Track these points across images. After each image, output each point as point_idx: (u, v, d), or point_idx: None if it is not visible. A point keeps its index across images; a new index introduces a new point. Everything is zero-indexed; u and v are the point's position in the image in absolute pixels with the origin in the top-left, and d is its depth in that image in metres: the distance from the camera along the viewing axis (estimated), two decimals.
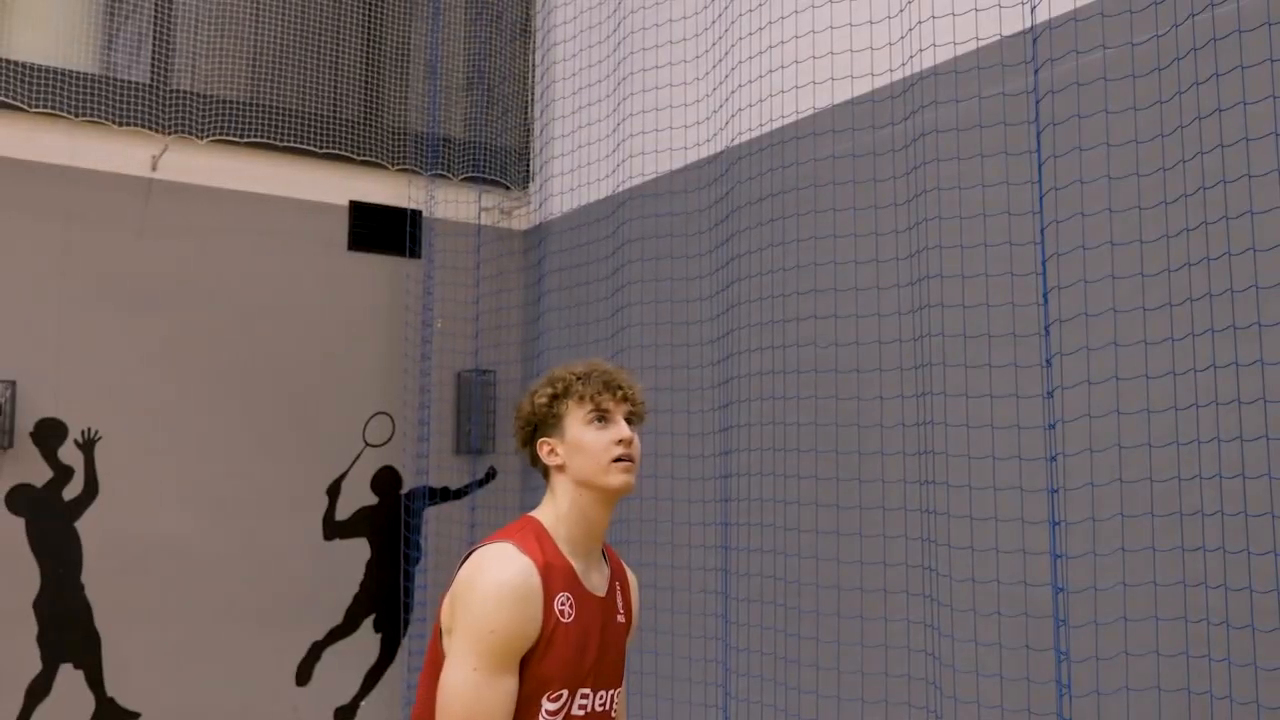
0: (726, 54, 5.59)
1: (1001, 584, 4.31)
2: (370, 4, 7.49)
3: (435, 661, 2.50)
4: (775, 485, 5.24)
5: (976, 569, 4.38)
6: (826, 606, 4.97)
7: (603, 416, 2.57)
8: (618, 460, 2.53)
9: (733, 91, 5.54)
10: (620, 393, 2.59)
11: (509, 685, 2.38)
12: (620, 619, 2.66)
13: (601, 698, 2.55)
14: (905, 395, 4.77)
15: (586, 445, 2.54)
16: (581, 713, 2.51)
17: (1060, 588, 3.89)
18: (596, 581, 2.59)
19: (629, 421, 2.59)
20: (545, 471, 2.62)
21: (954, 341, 4.54)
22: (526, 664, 2.42)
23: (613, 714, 2.61)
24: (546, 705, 2.45)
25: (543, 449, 2.60)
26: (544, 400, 2.61)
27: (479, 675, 2.35)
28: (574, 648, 2.47)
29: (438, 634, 2.51)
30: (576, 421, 2.57)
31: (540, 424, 2.62)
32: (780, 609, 5.18)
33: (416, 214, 7.41)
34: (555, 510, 2.56)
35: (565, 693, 2.48)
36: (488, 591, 2.39)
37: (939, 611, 4.51)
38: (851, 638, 4.86)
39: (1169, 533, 3.85)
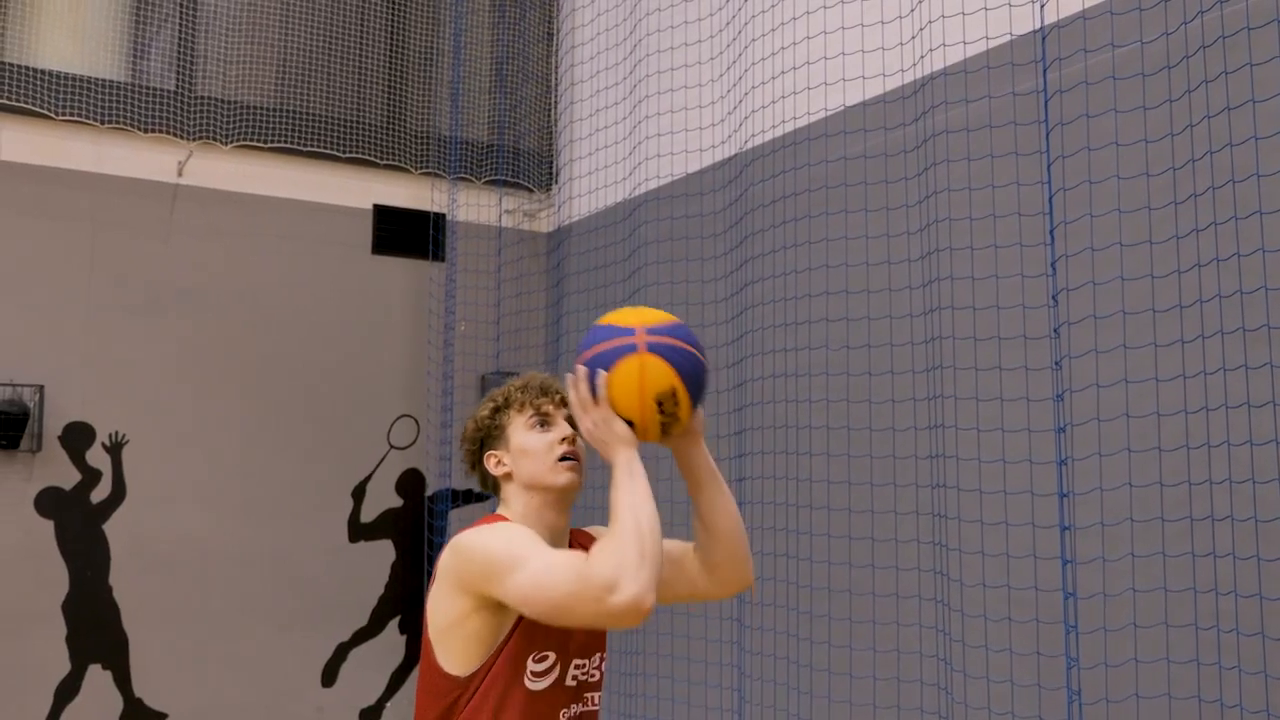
0: (740, 56, 5.57)
1: (1012, 589, 4.27)
2: (393, 9, 7.53)
3: (429, 674, 2.50)
4: (789, 489, 5.21)
5: (987, 574, 4.34)
6: (839, 611, 4.94)
7: (544, 421, 2.60)
8: (563, 459, 2.56)
9: (746, 93, 5.52)
10: (559, 397, 2.63)
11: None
12: None
13: (586, 667, 2.57)
14: (917, 398, 4.73)
15: (530, 448, 2.57)
16: (574, 683, 2.53)
17: (1070, 593, 3.84)
18: None
19: (571, 425, 2.61)
20: (496, 487, 2.65)
21: (964, 344, 4.50)
22: (515, 625, 2.44)
23: (600, 680, 2.62)
24: (531, 666, 2.46)
25: (489, 461, 2.63)
26: (486, 414, 2.66)
27: (544, 555, 2.33)
28: None
29: (428, 646, 2.51)
30: (519, 429, 2.61)
31: (486, 438, 2.65)
32: (794, 613, 5.15)
33: (440, 217, 7.44)
34: (512, 517, 2.57)
35: (553, 656, 2.48)
36: (483, 534, 2.42)
37: (950, 616, 4.47)
38: (864, 643, 4.83)
39: (1179, 538, 3.79)
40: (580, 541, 2.72)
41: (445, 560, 2.47)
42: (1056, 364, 3.98)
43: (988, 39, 4.48)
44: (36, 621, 6.28)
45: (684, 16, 6.03)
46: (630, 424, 2.40)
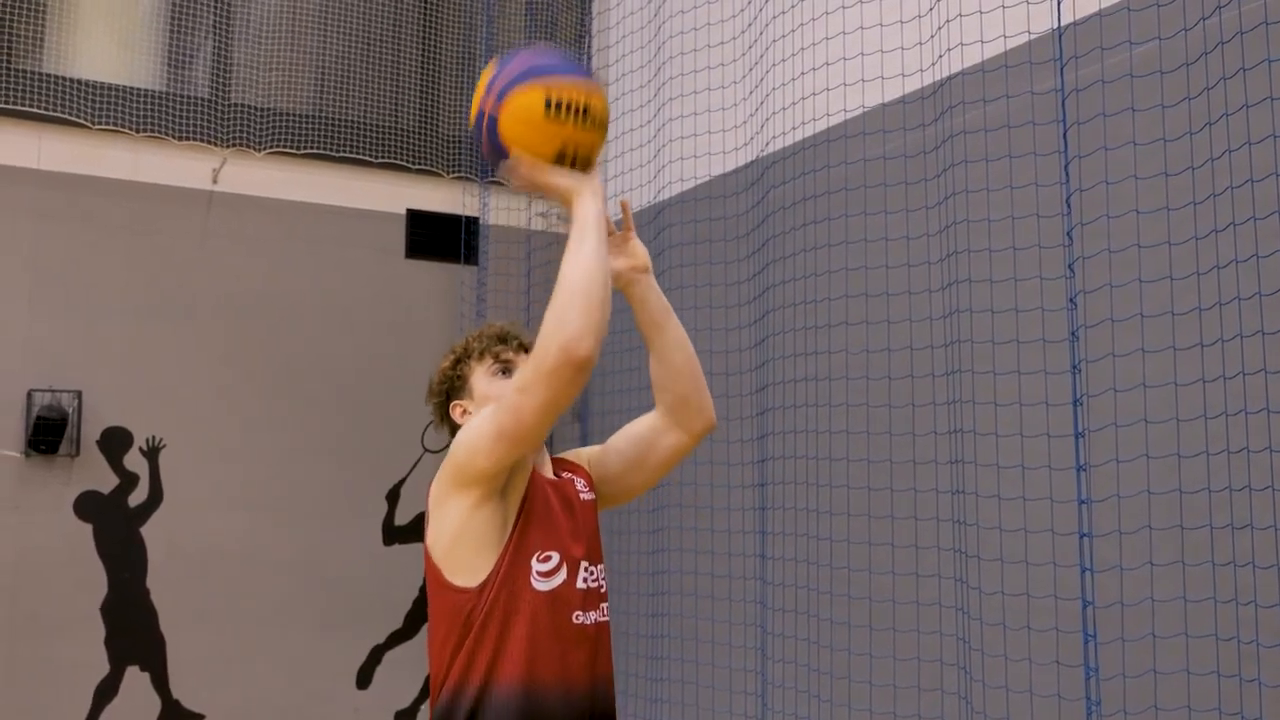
0: (762, 57, 5.53)
1: (1031, 597, 4.20)
2: (425, 15, 7.56)
3: (441, 597, 2.51)
4: (811, 494, 5.17)
5: (1006, 582, 4.28)
6: (858, 618, 4.89)
7: (505, 368, 2.66)
8: None
9: (767, 95, 5.48)
10: (516, 342, 2.70)
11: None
12: (586, 495, 2.72)
13: (594, 574, 2.60)
14: (937, 403, 4.67)
15: (494, 395, 2.61)
16: (585, 586, 2.56)
17: (1089, 601, 3.77)
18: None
19: None
20: None
21: (983, 347, 4.43)
22: (516, 523, 2.49)
23: (604, 591, 2.66)
24: (537, 566, 2.49)
25: (455, 411, 2.69)
26: (448, 366, 2.73)
27: (489, 434, 2.40)
28: (557, 514, 2.56)
29: (436, 572, 2.52)
30: (482, 378, 2.67)
31: (450, 390, 2.72)
32: (814, 619, 5.11)
33: (472, 221, 7.46)
34: None
35: (556, 555, 2.52)
36: (457, 436, 2.50)
37: (969, 624, 4.40)
38: (884, 650, 4.78)
39: (1199, 547, 3.71)
40: (562, 470, 2.78)
41: (437, 481, 2.52)
42: (1075, 368, 3.91)
43: (1005, 38, 4.41)
44: (76, 623, 6.37)
45: (707, 18, 5.99)
46: (566, 158, 2.40)
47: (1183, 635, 3.71)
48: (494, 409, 2.41)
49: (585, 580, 2.56)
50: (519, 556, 2.47)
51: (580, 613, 2.53)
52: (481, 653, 2.44)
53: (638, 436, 2.80)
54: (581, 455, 2.89)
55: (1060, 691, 4.05)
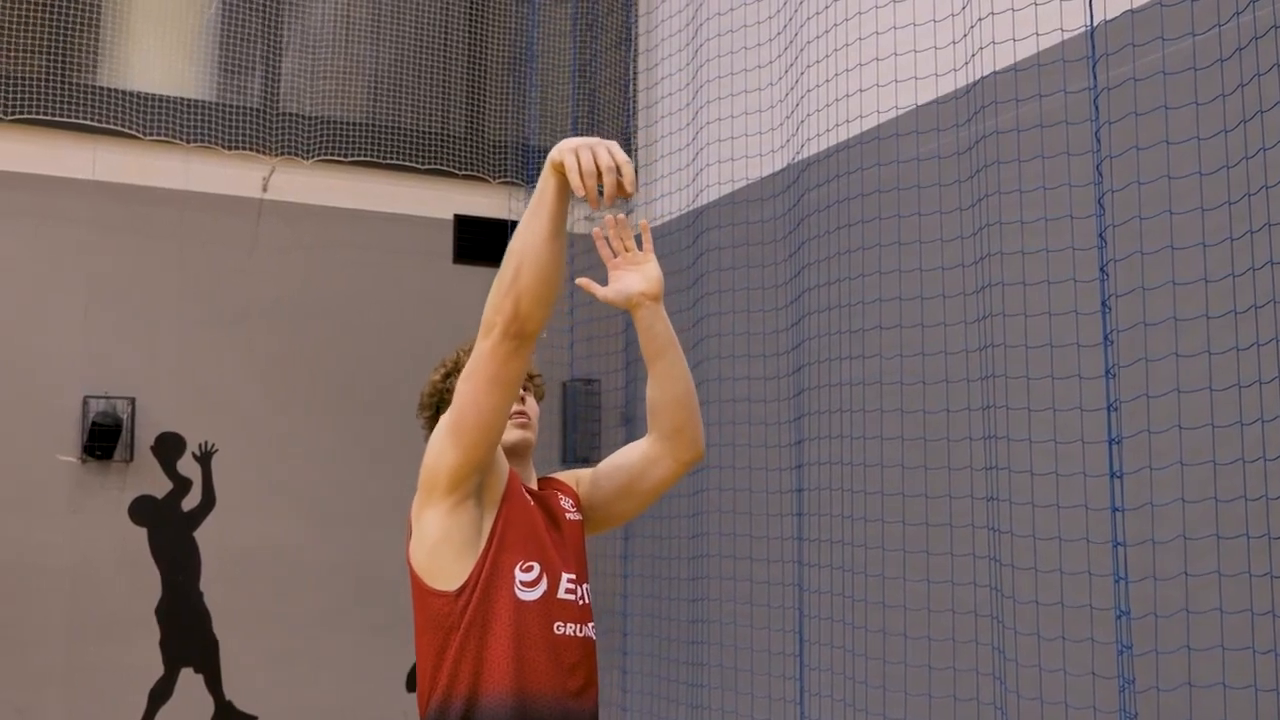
0: (796, 59, 5.48)
1: (1066, 607, 4.11)
2: (472, 23, 7.59)
3: (424, 605, 2.54)
4: (847, 501, 5.11)
5: (1041, 591, 4.20)
6: (894, 626, 4.83)
7: None
8: (512, 417, 2.64)
9: (803, 97, 5.43)
10: None
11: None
12: (573, 515, 2.74)
13: (580, 591, 2.60)
14: (972, 408, 4.60)
15: None
16: (569, 597, 2.56)
17: (1124, 611, 3.68)
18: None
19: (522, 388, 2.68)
20: None
21: (1017, 351, 4.35)
22: (493, 534, 2.50)
23: (589, 606, 2.65)
24: (520, 576, 2.50)
25: None
26: (439, 378, 2.79)
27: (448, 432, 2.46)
28: (539, 526, 2.57)
29: (419, 583, 2.56)
30: None
31: (440, 403, 2.75)
32: (852, 628, 5.05)
33: (518, 225, 7.47)
34: None
35: (538, 566, 2.52)
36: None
37: (1004, 634, 4.33)
38: (919, 659, 4.71)
39: (1234, 556, 3.61)
40: (549, 488, 2.78)
41: (415, 501, 2.58)
42: (1109, 372, 3.82)
43: (1038, 36, 4.32)
44: (131, 626, 6.49)
45: (743, 20, 5.95)
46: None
47: (1219, 648, 3.61)
48: (449, 409, 2.43)
49: (569, 594, 2.56)
50: (500, 563, 2.48)
51: (563, 624, 2.53)
52: (465, 663, 2.44)
53: (629, 465, 2.80)
54: (572, 477, 2.89)
55: (1096, 703, 3.97)
